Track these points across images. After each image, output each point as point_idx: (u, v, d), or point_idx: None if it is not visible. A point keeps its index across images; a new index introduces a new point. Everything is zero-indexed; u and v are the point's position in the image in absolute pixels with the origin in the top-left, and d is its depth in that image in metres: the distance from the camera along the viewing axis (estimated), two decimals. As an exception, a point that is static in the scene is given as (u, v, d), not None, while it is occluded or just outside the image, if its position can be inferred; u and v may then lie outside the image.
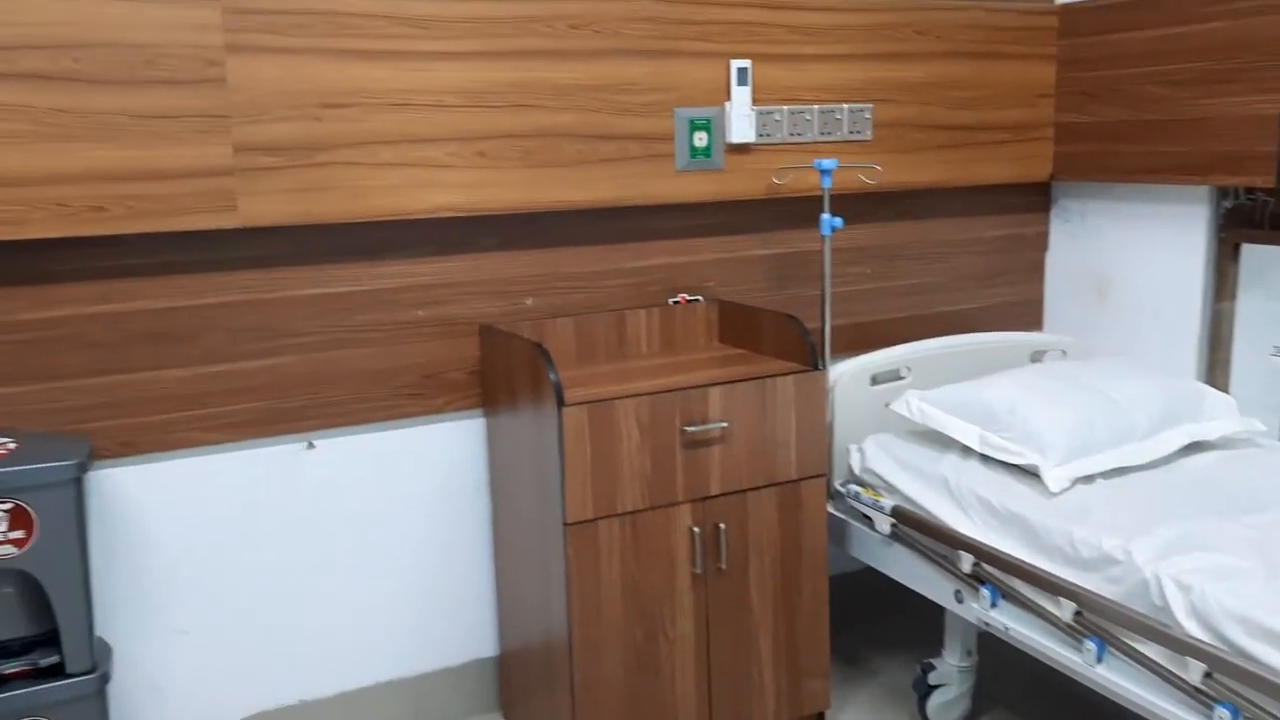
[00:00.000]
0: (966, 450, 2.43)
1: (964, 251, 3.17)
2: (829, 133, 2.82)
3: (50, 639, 2.06)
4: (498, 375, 2.48)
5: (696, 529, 2.34)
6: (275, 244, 2.35)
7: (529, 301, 2.63)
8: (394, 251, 2.47)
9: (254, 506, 2.41)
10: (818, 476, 2.46)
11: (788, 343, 2.52)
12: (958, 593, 2.32)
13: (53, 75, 2.04)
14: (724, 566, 2.38)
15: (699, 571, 2.35)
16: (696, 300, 2.78)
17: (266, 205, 2.26)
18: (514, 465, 2.45)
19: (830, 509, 2.62)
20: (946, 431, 2.44)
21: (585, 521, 2.23)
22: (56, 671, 2.04)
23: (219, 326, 2.33)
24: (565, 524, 2.21)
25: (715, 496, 2.35)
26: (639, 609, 2.30)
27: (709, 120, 2.68)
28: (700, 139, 2.67)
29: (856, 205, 2.97)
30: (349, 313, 2.44)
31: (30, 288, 2.15)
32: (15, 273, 2.13)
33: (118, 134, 2.11)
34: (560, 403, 2.18)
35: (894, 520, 2.46)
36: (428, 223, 2.48)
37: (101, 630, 2.26)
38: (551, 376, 2.19)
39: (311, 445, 2.45)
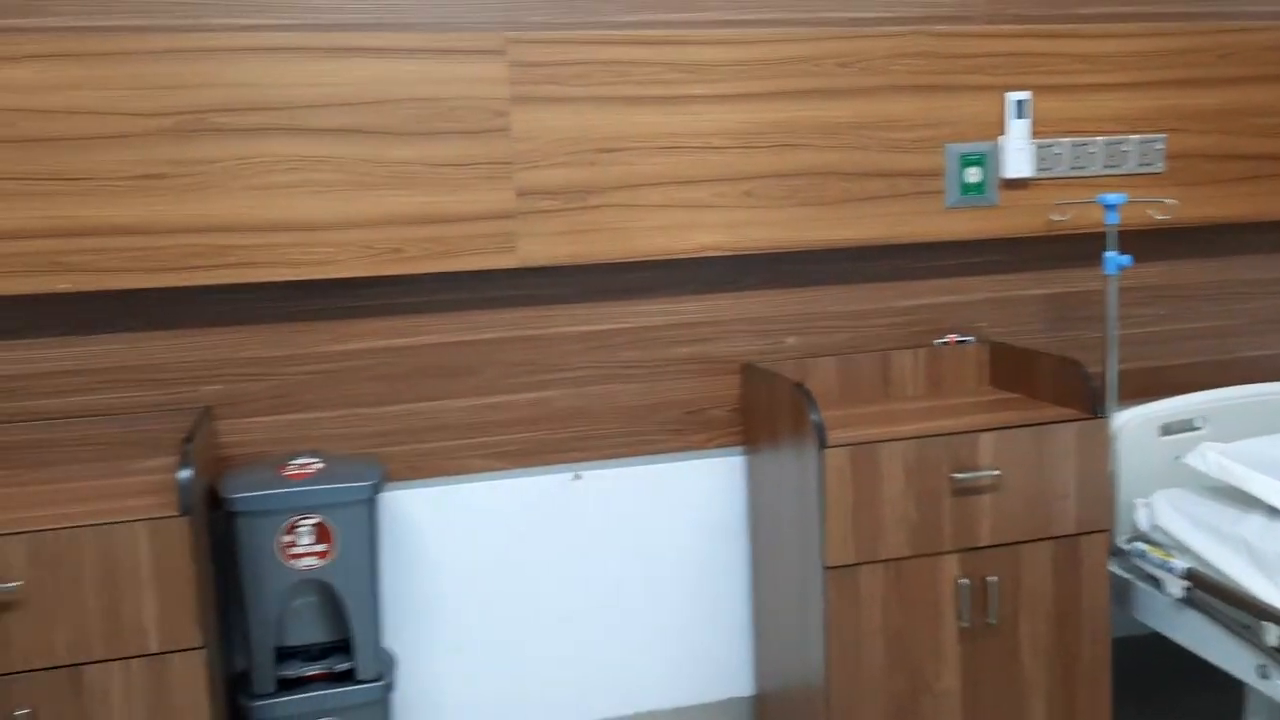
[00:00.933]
0: (1273, 511, 2.20)
1: (1269, 293, 2.90)
2: (1115, 165, 2.65)
3: (344, 646, 2.22)
4: (759, 414, 2.48)
5: (964, 580, 2.24)
6: (549, 283, 2.46)
7: (791, 340, 2.62)
8: (659, 290, 2.53)
9: (524, 533, 2.52)
10: (1099, 532, 2.30)
11: (1067, 388, 2.38)
12: (1262, 668, 2.09)
13: (360, 129, 2.24)
14: (993, 622, 2.26)
15: (966, 625, 2.25)
16: (966, 341, 2.68)
17: (543, 246, 2.37)
18: (774, 504, 2.44)
19: (1112, 567, 2.44)
20: (1250, 490, 2.22)
21: (846, 566, 2.18)
22: (348, 677, 2.20)
23: (496, 360, 2.46)
24: (825, 567, 2.17)
25: (985, 548, 2.24)
26: (901, 660, 2.23)
27: (982, 155, 2.58)
28: (972, 175, 2.58)
29: (1143, 241, 2.77)
30: (615, 349, 2.52)
31: (335, 322, 2.35)
32: (323, 309, 2.34)
33: (414, 182, 2.28)
34: (822, 444, 2.15)
35: (1188, 584, 2.26)
36: (693, 262, 2.53)
37: (387, 642, 2.43)
38: (813, 417, 2.17)
39: (578, 476, 2.53)
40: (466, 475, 2.47)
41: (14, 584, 1.81)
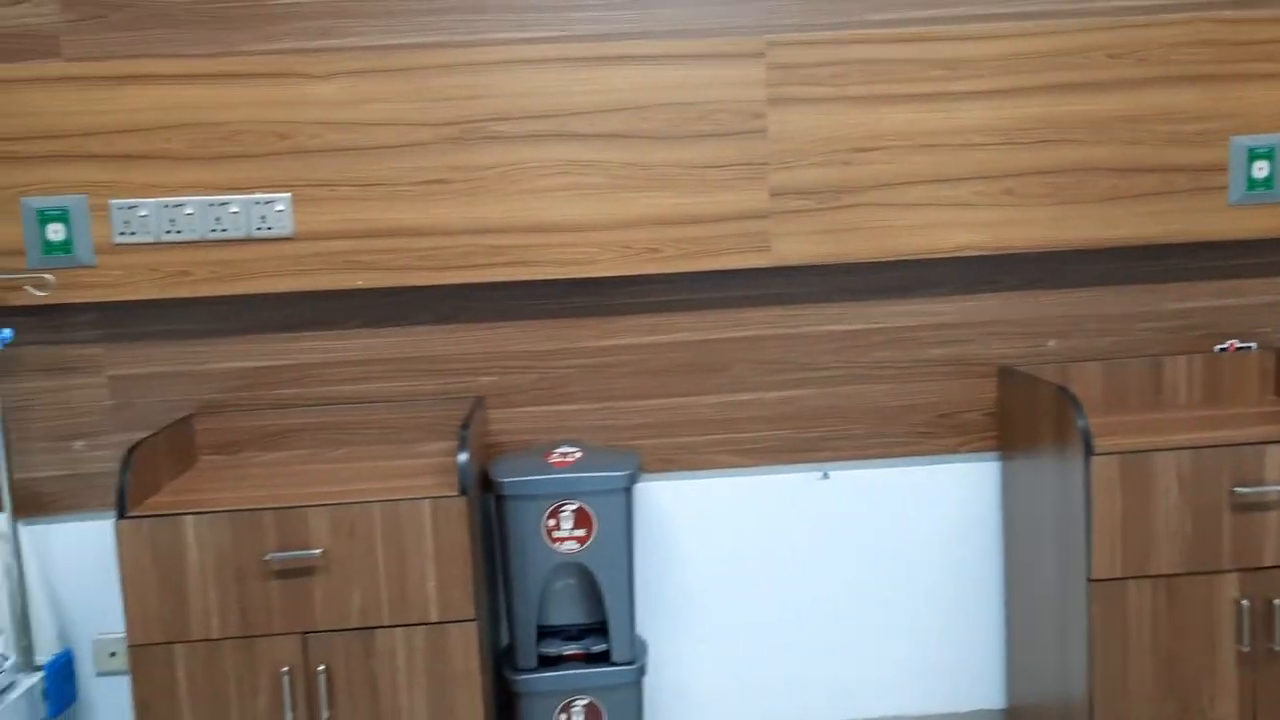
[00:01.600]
0: None
1: None
2: None
3: (600, 629, 2.33)
4: (1016, 419, 2.41)
5: (1244, 602, 2.09)
6: (801, 282, 2.48)
7: (1051, 343, 2.53)
8: (914, 290, 2.50)
9: (771, 529, 2.55)
10: (1406, 557, 2.10)
11: (1369, 399, 2.19)
12: None
13: (624, 134, 2.34)
14: (1277, 648, 2.10)
15: (1246, 650, 2.10)
16: (1249, 348, 2.50)
17: (796, 245, 2.40)
18: (1032, 513, 2.36)
19: None
20: None
21: (1112, 580, 2.09)
22: (604, 658, 2.30)
23: (747, 358, 2.50)
24: (1090, 580, 2.09)
25: (1270, 568, 2.09)
26: (1172, 682, 2.11)
27: (1272, 149, 2.41)
28: (1260, 169, 2.41)
29: None
30: (867, 349, 2.51)
31: (597, 319, 2.46)
32: (587, 306, 2.45)
33: (672, 183, 2.36)
34: (1089, 451, 2.07)
35: None
36: (949, 262, 2.49)
37: (639, 628, 2.51)
38: (1080, 423, 2.09)
39: (826, 476, 2.54)
40: (716, 470, 2.53)
41: (318, 550, 2.00)
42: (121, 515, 1.98)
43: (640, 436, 2.50)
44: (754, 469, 2.53)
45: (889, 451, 2.54)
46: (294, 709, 2.03)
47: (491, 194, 2.32)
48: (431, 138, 2.30)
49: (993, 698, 2.61)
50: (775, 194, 2.38)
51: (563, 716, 2.29)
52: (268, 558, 1.99)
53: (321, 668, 2.03)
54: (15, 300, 2.25)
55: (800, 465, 2.54)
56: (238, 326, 2.38)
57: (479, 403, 2.38)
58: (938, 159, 2.39)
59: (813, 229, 2.40)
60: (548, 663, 2.30)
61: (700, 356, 2.49)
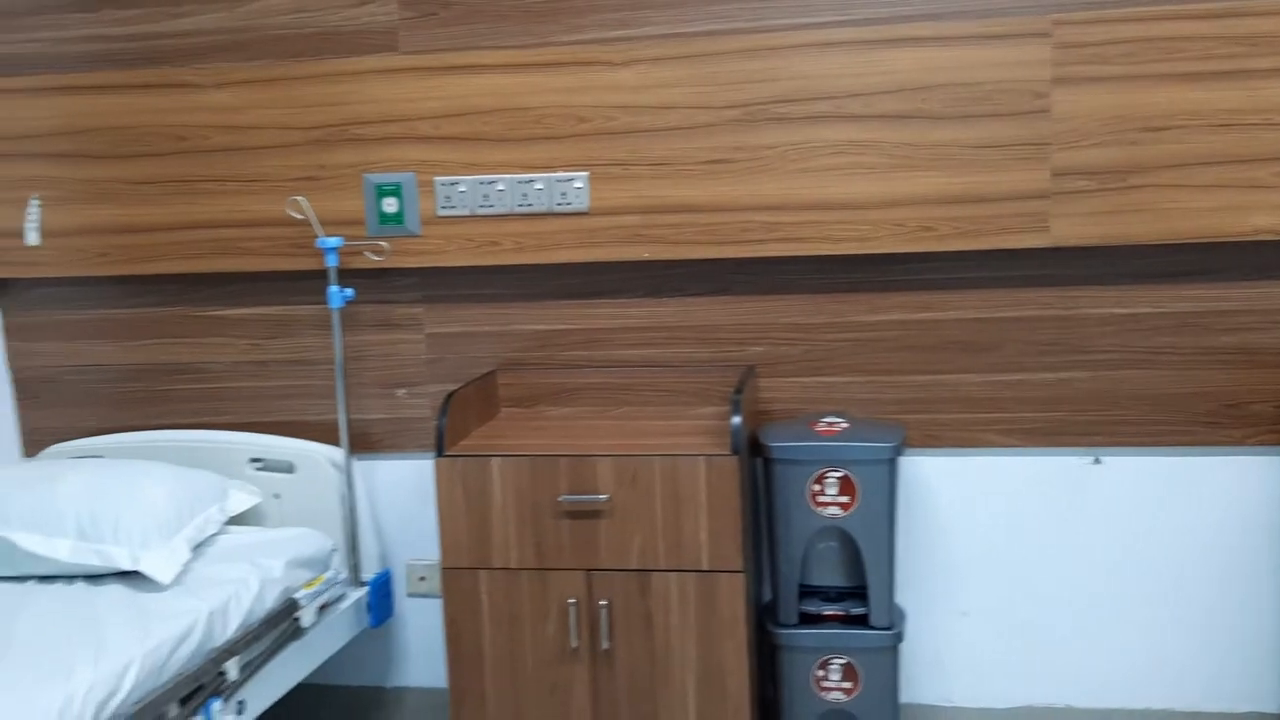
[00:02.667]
0: None
1: None
2: None
3: (859, 593, 2.42)
4: (1313, 411, 2.30)
5: None
6: (1078, 263, 2.46)
7: (1358, 334, 2.38)
8: (1201, 274, 2.42)
9: (1037, 511, 2.54)
10: None
11: None
12: None
13: (902, 114, 2.40)
14: None
15: None
16: None
17: (1076, 226, 2.38)
18: (1325, 510, 2.25)
19: None
20: None
21: None
22: (861, 621, 2.39)
23: (1017, 339, 2.50)
24: (1389, 582, 1.98)
25: None
26: None
27: None
28: None
29: None
30: (1147, 334, 2.45)
31: (868, 294, 2.54)
32: (858, 282, 2.54)
33: (949, 163, 2.40)
34: (1395, 446, 1.96)
35: None
36: (1241, 245, 2.39)
37: (898, 597, 2.59)
38: (1386, 416, 1.98)
39: (1098, 461, 2.51)
40: (982, 448, 2.55)
41: (604, 496, 2.21)
42: (440, 454, 2.26)
43: (906, 411, 2.56)
44: (1022, 450, 2.54)
45: (1167, 440, 2.47)
46: (579, 636, 2.26)
47: (771, 173, 2.45)
48: (716, 120, 2.45)
49: (1267, 702, 2.50)
50: (1057, 174, 2.37)
51: (820, 672, 2.40)
52: (561, 499, 2.22)
53: (603, 602, 2.24)
54: (356, 264, 2.60)
55: (1070, 449, 2.52)
56: (537, 293, 2.63)
57: (750, 371, 2.52)
58: (1233, 138, 2.31)
59: (1094, 210, 2.37)
60: (808, 620, 2.42)
61: (971, 335, 2.52)
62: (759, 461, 2.46)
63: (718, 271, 2.57)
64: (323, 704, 2.85)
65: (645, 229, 2.50)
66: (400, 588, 2.77)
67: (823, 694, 2.41)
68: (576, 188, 2.50)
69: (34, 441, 2.85)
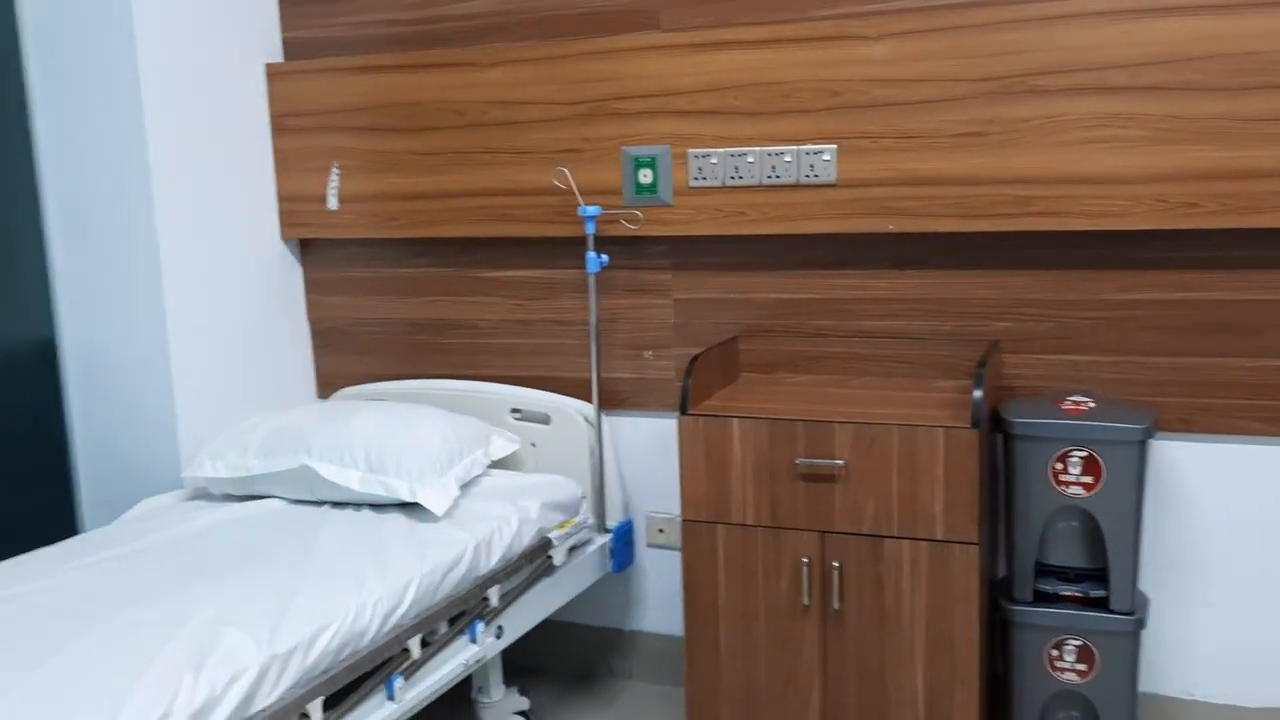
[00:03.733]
0: None
1: None
2: None
3: (1098, 575, 2.38)
4: None
5: None
6: (1366, 245, 2.30)
7: None
8: None
9: (1301, 505, 2.42)
10: None
11: None
12: None
13: (1170, 86, 2.31)
14: None
15: None
16: None
17: (1363, 205, 2.23)
18: None
19: None
20: None
21: None
22: (1100, 604, 2.35)
23: (1290, 323, 2.38)
24: None
25: None
26: None
27: None
28: None
29: None
30: None
31: (1120, 271, 2.47)
32: (1110, 258, 2.47)
33: (1218, 137, 2.29)
34: None
35: None
36: None
37: (1141, 583, 2.52)
38: None
39: (1376, 455, 2.35)
40: (1241, 436, 2.44)
41: (840, 460, 2.28)
42: (684, 412, 2.40)
43: (1158, 394, 2.48)
44: (1287, 440, 2.41)
45: None
46: (810, 594, 2.35)
47: (1025, 146, 2.42)
48: (969, 92, 2.44)
49: None
50: (1342, 149, 2.22)
51: (1054, 652, 2.38)
52: (797, 461, 2.31)
53: (835, 563, 2.32)
54: (612, 231, 2.76)
55: (1344, 441, 2.37)
56: (781, 262, 2.71)
57: (994, 346, 2.51)
58: None
59: (1386, 187, 2.21)
60: (1043, 599, 2.40)
61: (1233, 317, 2.41)
62: (1000, 437, 2.46)
63: (963, 245, 2.57)
64: (568, 639, 3.07)
65: (891, 201, 2.53)
66: (640, 538, 2.95)
67: (1056, 674, 2.39)
68: (824, 160, 2.56)
69: (326, 384, 3.21)
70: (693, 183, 2.67)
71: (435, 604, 2.17)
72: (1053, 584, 2.41)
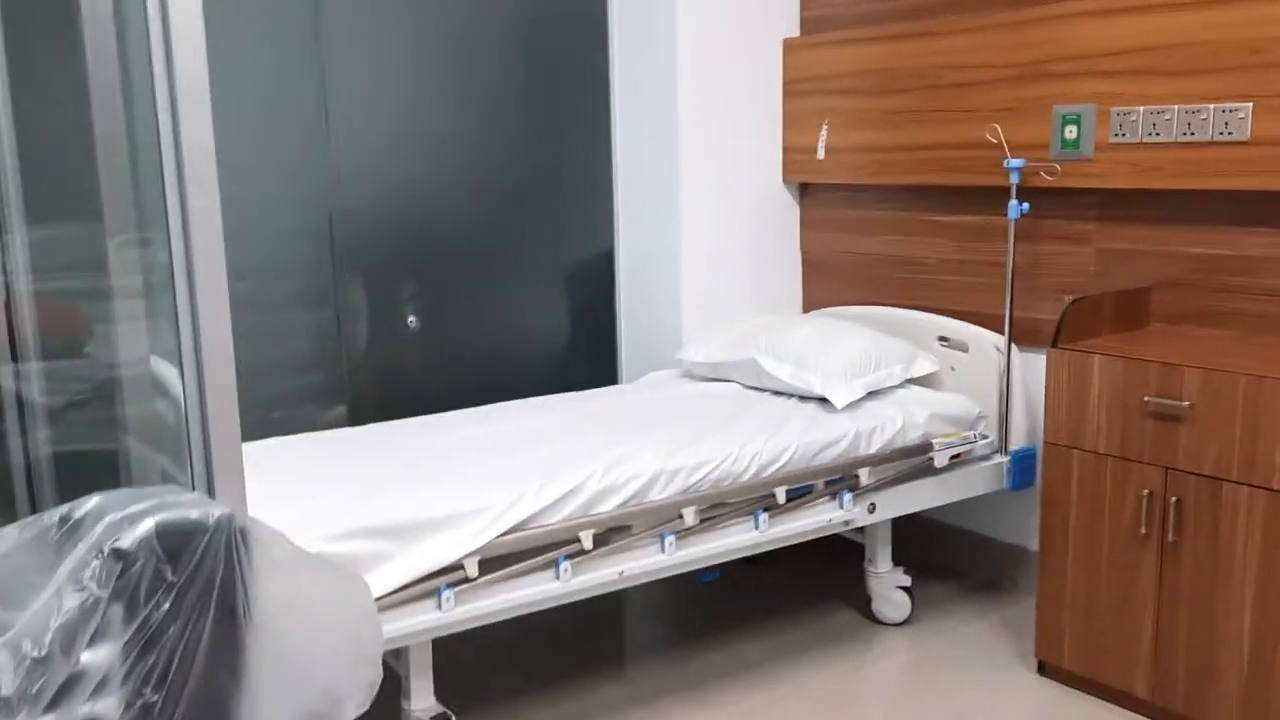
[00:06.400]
0: None
1: None
2: None
3: None
4: None
5: None
6: None
7: None
8: None
9: None
10: None
11: None
12: None
13: None
14: None
15: None
16: None
17: None
18: None
19: None
20: None
21: None
22: None
23: None
24: None
25: None
26: None
27: None
28: None
29: None
30: None
31: None
32: None
33: None
34: None
35: None
36: None
37: None
38: None
39: None
40: None
41: (1186, 403, 2.42)
42: (1054, 346, 2.67)
43: None
44: None
45: None
46: (1148, 525, 2.52)
47: None
48: None
49: None
50: None
51: None
52: (1146, 399, 2.49)
53: (1174, 499, 2.47)
54: (1033, 182, 3.05)
55: None
56: (1194, 217, 2.79)
57: None
58: None
59: None
60: None
61: None
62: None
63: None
64: (974, 549, 3.44)
65: (1313, 160, 2.51)
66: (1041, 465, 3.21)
67: None
68: (1239, 118, 2.60)
69: (808, 305, 3.88)
70: (1113, 139, 2.86)
71: (808, 469, 2.76)
72: None
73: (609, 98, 3.77)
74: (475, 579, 2.29)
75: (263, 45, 3.08)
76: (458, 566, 2.27)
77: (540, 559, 2.37)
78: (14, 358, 2.59)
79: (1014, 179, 3.03)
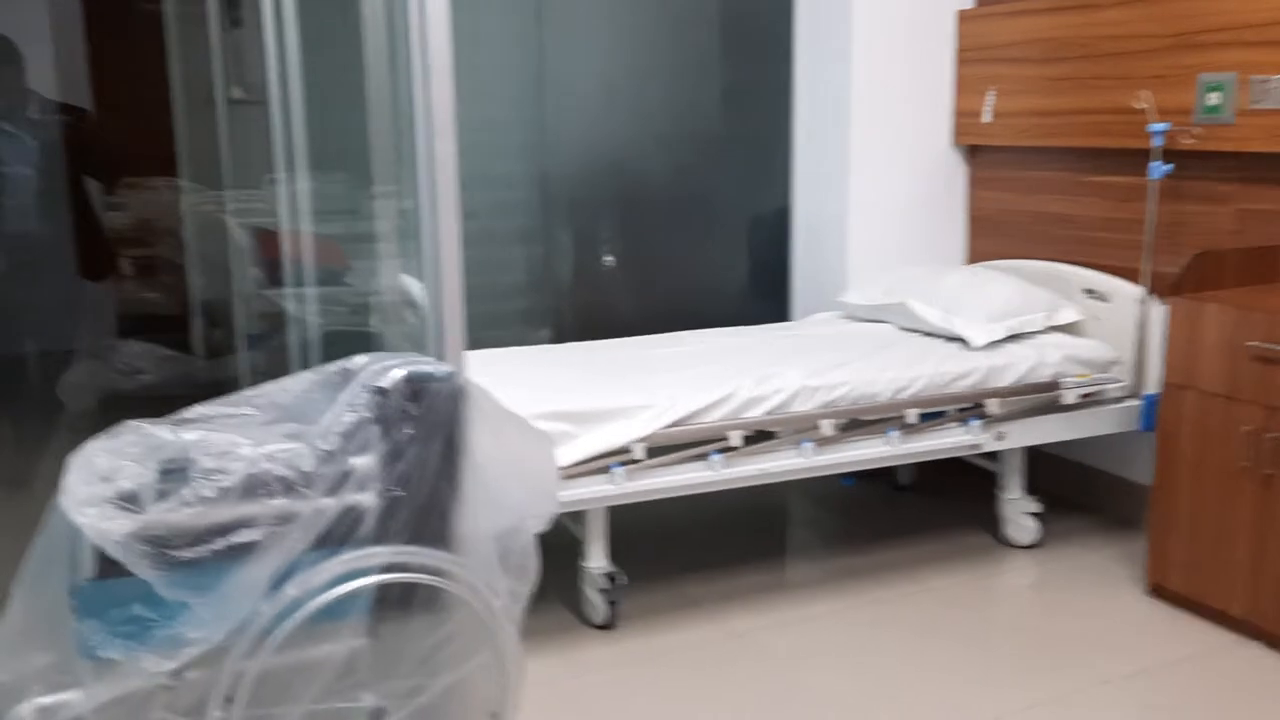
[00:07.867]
0: None
1: None
2: None
3: None
4: None
5: None
6: None
7: None
8: None
9: None
10: None
11: None
12: None
13: None
14: None
15: None
16: None
17: None
18: None
19: None
20: None
21: None
22: None
23: None
24: None
25: None
26: None
27: None
28: None
29: None
30: None
31: None
32: None
33: None
34: None
35: None
36: None
37: None
38: None
39: None
40: None
41: (1286, 348, 2.65)
42: (1174, 294, 2.93)
43: None
44: None
45: None
46: (1248, 458, 2.76)
47: None
48: None
49: None
50: None
51: None
52: (1249, 344, 2.72)
53: (1272, 435, 2.70)
54: (1177, 145, 3.26)
55: None
56: (1328, 179, 2.96)
57: None
58: None
59: None
60: None
61: None
62: None
63: None
64: (1111, 489, 3.70)
65: None
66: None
67: None
68: (1370, 86, 2.77)
69: (973, 258, 4.18)
70: (1252, 105, 3.05)
71: (939, 395, 3.13)
72: None
73: (791, 66, 4.19)
74: (641, 460, 2.82)
75: (491, 23, 3.70)
76: (627, 450, 2.81)
77: (696, 450, 2.88)
78: (299, 282, 3.36)
79: (1157, 142, 3.26)
